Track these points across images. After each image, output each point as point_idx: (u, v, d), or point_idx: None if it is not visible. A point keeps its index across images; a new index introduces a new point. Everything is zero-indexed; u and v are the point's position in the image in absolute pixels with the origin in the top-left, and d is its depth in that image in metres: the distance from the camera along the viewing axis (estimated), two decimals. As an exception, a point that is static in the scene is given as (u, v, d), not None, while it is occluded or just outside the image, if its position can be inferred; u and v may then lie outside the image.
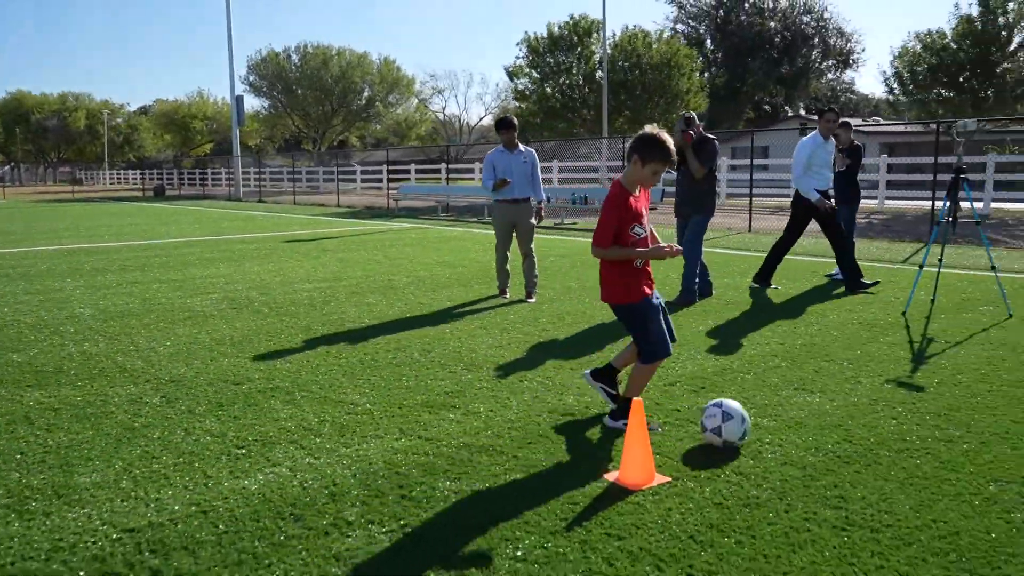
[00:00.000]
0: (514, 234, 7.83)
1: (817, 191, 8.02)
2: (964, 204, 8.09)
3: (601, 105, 28.76)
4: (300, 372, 5.15)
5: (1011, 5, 21.67)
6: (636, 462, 3.29)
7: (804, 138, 8.18)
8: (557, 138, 31.83)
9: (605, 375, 4.16)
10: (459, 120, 73.23)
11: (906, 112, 22.75)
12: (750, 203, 17.11)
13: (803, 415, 4.19)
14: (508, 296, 7.90)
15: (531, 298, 7.76)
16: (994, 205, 19.73)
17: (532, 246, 7.82)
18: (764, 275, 8.40)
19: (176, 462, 3.59)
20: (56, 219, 21.74)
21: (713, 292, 7.99)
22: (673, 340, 3.98)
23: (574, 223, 18.60)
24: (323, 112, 50.75)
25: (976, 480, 3.33)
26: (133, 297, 8.14)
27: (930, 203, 14.74)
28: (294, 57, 50.62)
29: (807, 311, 7.12)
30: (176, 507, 3.11)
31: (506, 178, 7.50)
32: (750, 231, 15.59)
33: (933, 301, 7.37)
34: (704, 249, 7.88)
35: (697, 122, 7.77)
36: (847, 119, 9.35)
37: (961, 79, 22.20)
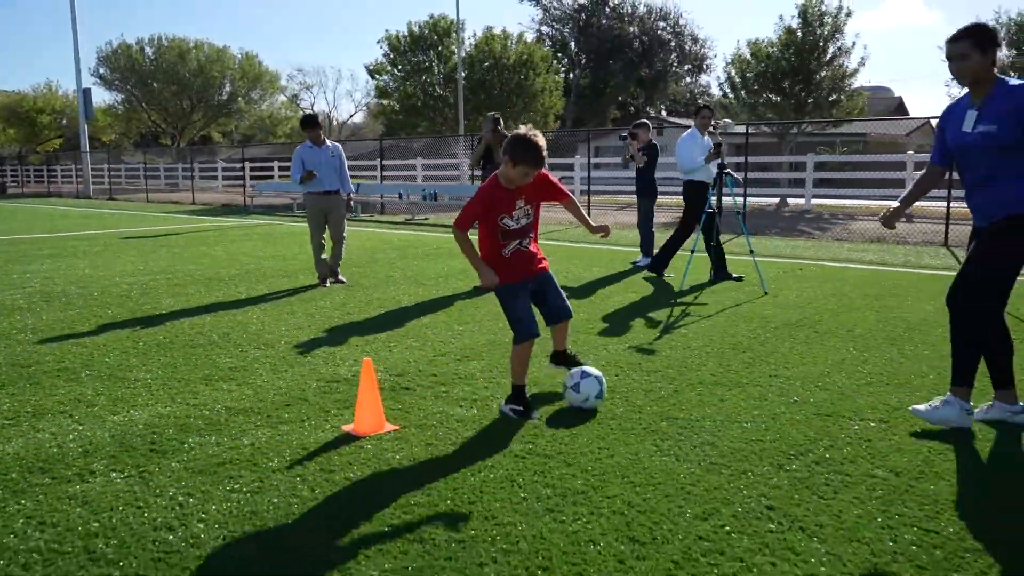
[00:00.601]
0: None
1: (701, 182, 8.56)
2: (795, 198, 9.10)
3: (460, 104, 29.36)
4: (93, 355, 5.40)
5: (827, 19, 23.75)
6: (364, 414, 3.82)
7: (684, 134, 8.79)
8: (420, 136, 32.20)
9: (560, 359, 4.43)
10: (329, 117, 72.26)
11: (738, 115, 24.50)
12: (589, 199, 18.10)
13: (543, 375, 4.83)
14: (328, 285, 8.30)
15: (339, 278, 8.27)
16: (815, 201, 21.61)
17: (344, 234, 8.28)
18: (659, 264, 8.81)
19: (-59, 433, 3.84)
20: None
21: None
22: (561, 317, 4.21)
23: (425, 218, 19.09)
24: (181, 107, 49.00)
25: (655, 420, 4.04)
26: (-61, 292, 8.01)
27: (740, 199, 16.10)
28: (148, 50, 48.60)
29: (598, 292, 7.89)
30: (-70, 468, 3.39)
31: (313, 171, 7.92)
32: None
33: (711, 282, 8.32)
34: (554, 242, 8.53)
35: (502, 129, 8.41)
36: (645, 120, 10.28)
37: (785, 85, 24.12)
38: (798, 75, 23.71)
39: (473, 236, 4.00)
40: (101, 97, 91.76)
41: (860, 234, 14.11)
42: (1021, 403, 3.93)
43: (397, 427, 3.91)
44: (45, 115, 61.59)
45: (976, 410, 3.94)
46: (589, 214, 16.72)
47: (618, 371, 4.91)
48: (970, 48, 3.62)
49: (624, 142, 10.14)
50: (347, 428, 3.89)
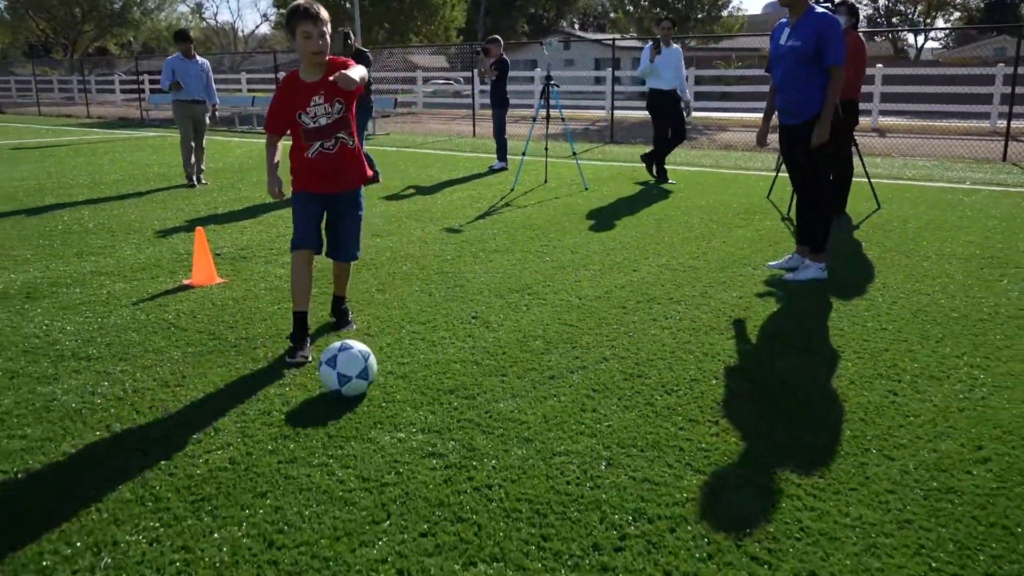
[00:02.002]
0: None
1: (659, 90, 9.39)
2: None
3: (360, 17, 29.42)
4: (-21, 239, 6.33)
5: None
6: (197, 268, 4.96)
7: (645, 49, 9.54)
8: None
9: (334, 308, 4.19)
10: (233, 27, 69.81)
11: (627, 28, 25.54)
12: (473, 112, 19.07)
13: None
14: (196, 185, 9.24)
15: (201, 183, 9.27)
16: (697, 114, 23.06)
17: (204, 142, 9.25)
18: (659, 172, 9.64)
19: None
20: None
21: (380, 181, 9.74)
22: (338, 256, 3.89)
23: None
24: (71, 15, 46.90)
25: (431, 273, 5.29)
26: None
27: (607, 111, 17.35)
28: (32, -48, 46.08)
29: (447, 188, 9.07)
30: None
31: (180, 82, 8.77)
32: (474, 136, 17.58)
33: (546, 182, 9.59)
34: (431, 151, 9.57)
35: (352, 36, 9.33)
36: (496, 37, 11.30)
37: (669, 1, 25.20)
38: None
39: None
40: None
41: (725, 144, 15.57)
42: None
43: (226, 280, 5.07)
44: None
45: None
46: (475, 123, 17.42)
47: (422, 244, 6.15)
48: None
49: (478, 56, 11.16)
50: (186, 281, 5.03)
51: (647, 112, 9.82)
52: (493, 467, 2.64)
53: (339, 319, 4.15)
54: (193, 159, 9.29)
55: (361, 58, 9.23)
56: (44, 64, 46.67)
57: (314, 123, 3.63)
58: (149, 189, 9.09)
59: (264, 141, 4.39)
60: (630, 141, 15.84)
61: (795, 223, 5.45)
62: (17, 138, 17.22)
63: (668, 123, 9.61)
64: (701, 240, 6.31)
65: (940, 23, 43.87)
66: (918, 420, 3.01)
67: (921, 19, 42.34)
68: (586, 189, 9.06)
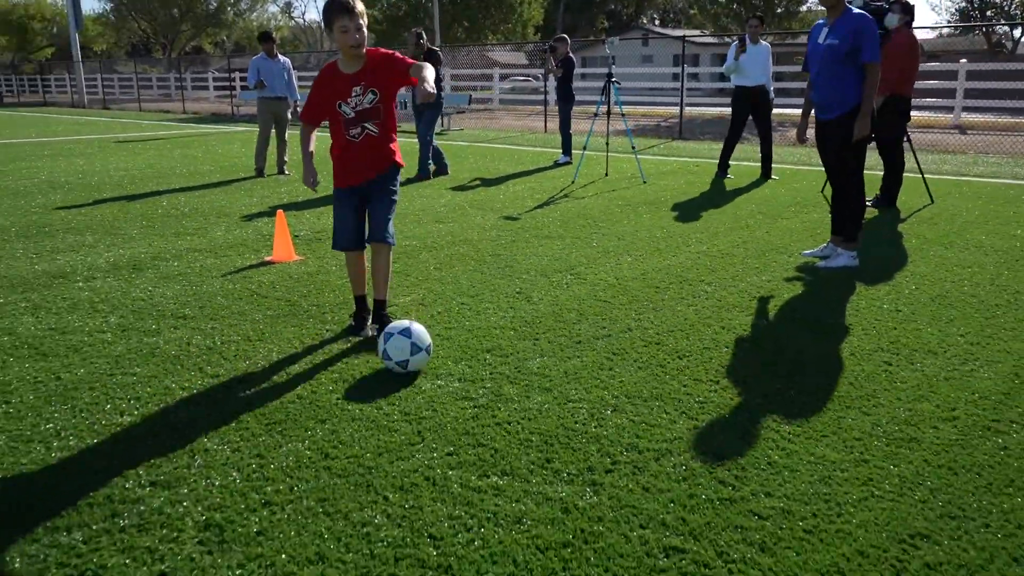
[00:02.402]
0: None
1: (743, 87, 9.54)
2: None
3: (439, 15, 30.24)
4: (91, 220, 7.13)
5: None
6: (277, 246, 5.59)
7: (732, 47, 9.69)
8: (400, 48, 33.13)
9: (374, 311, 4.08)
10: (319, 26, 72.07)
11: (702, 25, 25.54)
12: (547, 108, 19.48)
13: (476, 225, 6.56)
14: (264, 174, 10.02)
15: (285, 172, 9.97)
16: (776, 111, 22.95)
17: (286, 135, 9.96)
18: (722, 166, 9.87)
19: (-10, 260, 5.60)
20: None
21: (448, 172, 10.31)
22: (372, 236, 3.81)
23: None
24: (170, 16, 49.42)
25: (486, 255, 5.79)
26: (-37, 181, 9.72)
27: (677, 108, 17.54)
28: (135, -43, 48.74)
29: (512, 180, 9.57)
30: (-13, 275, 5.16)
31: (263, 80, 9.53)
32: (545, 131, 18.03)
33: (606, 175, 9.99)
34: (498, 145, 10.15)
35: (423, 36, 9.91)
36: (564, 35, 11.71)
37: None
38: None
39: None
40: (90, 6, 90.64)
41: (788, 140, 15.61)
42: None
43: (302, 257, 5.68)
44: (36, 21, 61.66)
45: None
46: (546, 119, 17.84)
47: (480, 230, 6.65)
48: None
49: (547, 55, 11.60)
50: (267, 258, 5.66)
51: (730, 108, 9.99)
52: (514, 409, 3.11)
53: (379, 320, 3.98)
54: (276, 152, 10.06)
55: (432, 57, 9.81)
56: (144, 63, 49.29)
57: (354, 111, 3.70)
58: (237, 178, 9.89)
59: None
60: (698, 137, 16.04)
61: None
62: (122, 132, 18.55)
63: (745, 120, 9.72)
64: (744, 230, 6.62)
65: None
66: (903, 386, 3.34)
67: (1019, 11, 40.60)
68: (644, 182, 9.41)
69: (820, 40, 5.34)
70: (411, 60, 3.66)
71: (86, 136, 17.20)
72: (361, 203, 3.85)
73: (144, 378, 3.44)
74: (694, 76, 24.99)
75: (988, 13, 40.21)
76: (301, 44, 72.62)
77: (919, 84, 18.37)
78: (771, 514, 2.37)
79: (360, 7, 3.58)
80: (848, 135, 5.27)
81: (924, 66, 15.43)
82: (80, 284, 5.00)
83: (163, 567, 2.13)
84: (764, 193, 8.55)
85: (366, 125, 3.72)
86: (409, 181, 9.73)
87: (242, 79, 35.96)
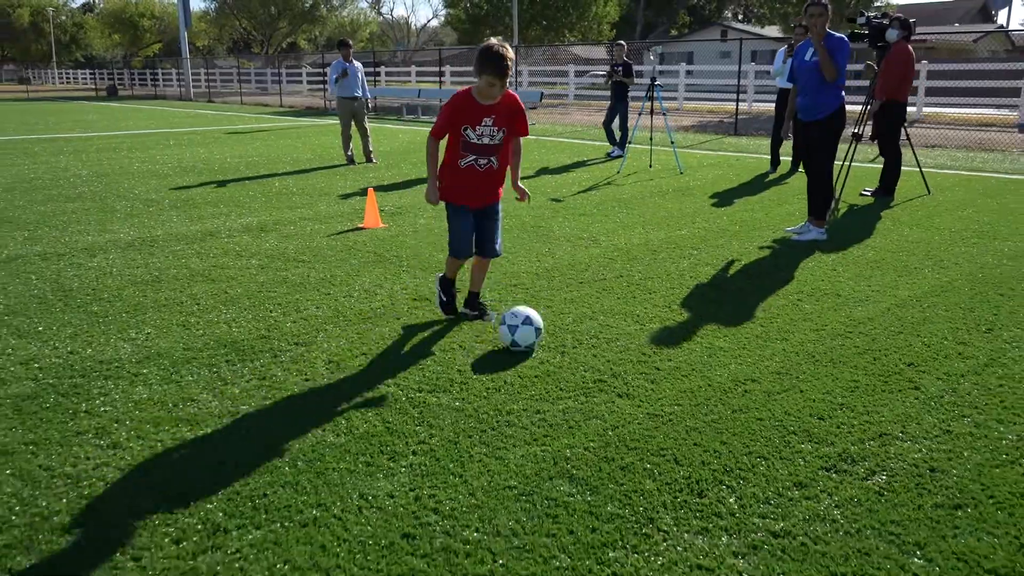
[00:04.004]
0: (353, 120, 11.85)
1: (786, 89, 10.48)
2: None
3: (519, 14, 31.81)
4: (220, 197, 8.99)
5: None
6: (368, 215, 7.26)
7: (779, 51, 11.10)
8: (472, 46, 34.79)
9: (472, 303, 4.59)
10: (406, 22, 74.67)
11: (764, 24, 26.34)
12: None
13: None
14: (354, 161, 11.83)
15: (373, 160, 11.77)
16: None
17: (367, 126, 11.81)
18: (772, 162, 11.10)
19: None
20: (22, 115, 24.70)
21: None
22: (484, 254, 4.33)
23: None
24: (269, 14, 52.54)
25: (529, 230, 7.32)
26: (113, 166, 11.82)
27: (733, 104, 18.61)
28: (238, -41, 51.92)
29: (567, 170, 11.07)
30: (158, 232, 7.01)
31: (347, 71, 11.39)
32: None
33: (651, 167, 11.38)
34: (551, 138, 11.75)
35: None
36: (621, 42, 13.09)
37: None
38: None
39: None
40: (196, 4, 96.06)
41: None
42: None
43: (387, 225, 7.33)
44: (146, 19, 66.11)
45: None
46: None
47: (528, 209, 8.20)
48: (823, 14, 6.44)
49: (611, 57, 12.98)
50: (360, 225, 7.33)
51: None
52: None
53: (480, 312, 4.54)
54: (360, 143, 11.91)
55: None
56: (243, 57, 52.66)
57: (478, 140, 3.99)
58: (333, 164, 11.71)
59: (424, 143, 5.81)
60: (750, 133, 17.15)
61: (838, 198, 7.02)
62: (229, 124, 20.82)
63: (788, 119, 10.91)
64: (748, 211, 7.97)
65: None
66: (800, 314, 4.72)
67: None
68: (681, 173, 10.77)
69: (806, 58, 6.67)
70: (527, 126, 4.17)
71: (200, 128, 19.48)
72: (474, 219, 4.27)
73: (281, 295, 5.12)
74: (765, 74, 25.74)
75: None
76: (388, 39, 75.36)
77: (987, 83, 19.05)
78: (669, 370, 3.84)
79: (511, 67, 3.85)
80: (824, 134, 6.58)
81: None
82: (225, 239, 6.76)
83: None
84: (785, 183, 9.81)
85: (492, 159, 4.09)
86: (477, 169, 11.34)
87: (324, 78, 38.55)
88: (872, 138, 9.11)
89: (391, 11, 72.17)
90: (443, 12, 43.33)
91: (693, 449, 3.02)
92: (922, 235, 6.83)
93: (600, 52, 52.52)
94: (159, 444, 3.07)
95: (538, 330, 4.01)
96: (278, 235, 6.93)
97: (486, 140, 4.02)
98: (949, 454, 2.98)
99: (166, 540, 2.44)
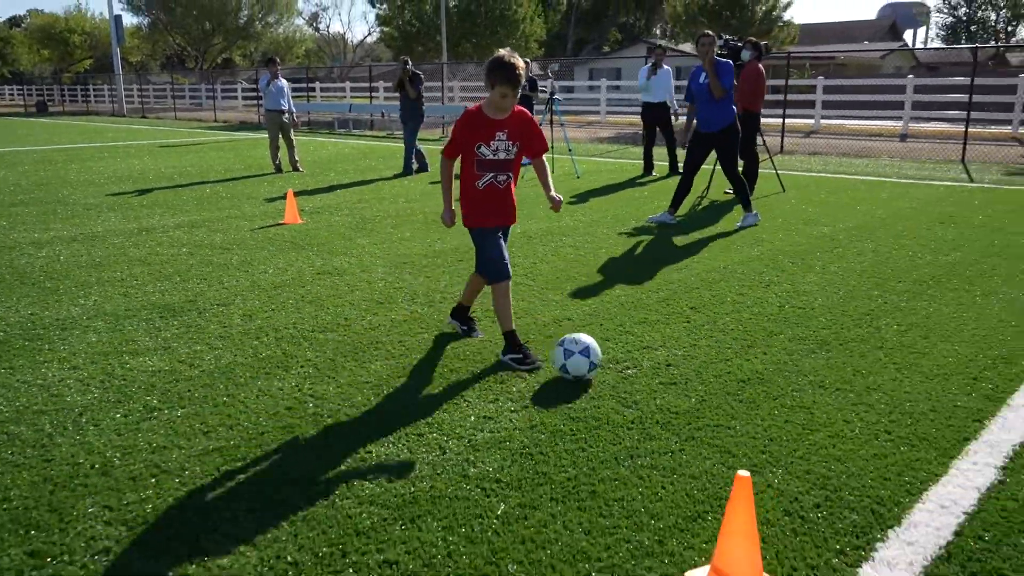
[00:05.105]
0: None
1: (650, 103, 12.31)
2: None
3: (449, 31, 33.03)
4: (155, 200, 9.90)
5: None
6: (288, 214, 8.29)
7: (642, 70, 12.47)
8: (417, 63, 35.90)
9: (458, 313, 4.53)
10: (343, 38, 75.39)
11: (679, 42, 28.08)
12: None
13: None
14: (282, 170, 12.85)
15: (299, 169, 12.81)
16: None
17: (293, 138, 12.86)
18: (646, 167, 12.80)
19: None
20: (-44, 131, 24.87)
21: (429, 168, 12.97)
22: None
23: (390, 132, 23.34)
24: (203, 30, 52.77)
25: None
26: (50, 176, 12.57)
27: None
28: (170, -25, 52.06)
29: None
30: (98, 229, 7.94)
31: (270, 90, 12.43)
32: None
33: (552, 172, 12.62)
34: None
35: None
36: (527, 58, 14.34)
37: (723, 15, 27.64)
38: (733, 7, 27.20)
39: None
40: (128, 20, 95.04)
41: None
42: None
43: (305, 221, 8.37)
44: (76, 35, 65.47)
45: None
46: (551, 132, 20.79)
47: (440, 204, 9.32)
48: (711, 43, 7.77)
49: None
50: (281, 221, 8.35)
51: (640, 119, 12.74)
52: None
53: (470, 328, 4.54)
54: (287, 153, 12.93)
55: (416, 79, 12.53)
56: (177, 73, 52.70)
57: (494, 155, 3.92)
58: (262, 173, 12.68)
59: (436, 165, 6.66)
60: (659, 143, 18.59)
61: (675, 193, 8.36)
62: (163, 139, 21.49)
63: (654, 129, 12.48)
64: (618, 207, 9.23)
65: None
66: (657, 276, 5.93)
67: (1004, 25, 42.78)
68: (578, 177, 12.04)
69: (700, 81, 7.98)
70: (545, 142, 4.11)
71: (134, 142, 20.14)
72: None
73: (207, 272, 6.13)
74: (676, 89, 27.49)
75: (972, 28, 42.38)
76: (325, 55, 75.95)
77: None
78: (588, 315, 4.98)
79: (523, 78, 3.79)
80: (725, 142, 7.93)
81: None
82: (159, 234, 7.73)
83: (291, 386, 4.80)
84: (660, 183, 11.14)
85: (510, 173, 4.02)
86: (395, 176, 12.44)
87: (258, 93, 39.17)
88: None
89: (327, 27, 73.06)
90: (378, 29, 44.28)
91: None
92: (771, 224, 8.16)
93: (533, 67, 54.10)
94: (108, 366, 4.09)
95: (593, 364, 3.77)
96: (207, 230, 7.92)
97: (502, 155, 3.94)
98: (685, 357, 4.19)
99: (117, 416, 3.48)
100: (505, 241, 4.17)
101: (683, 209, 8.98)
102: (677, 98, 12.85)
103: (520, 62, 3.74)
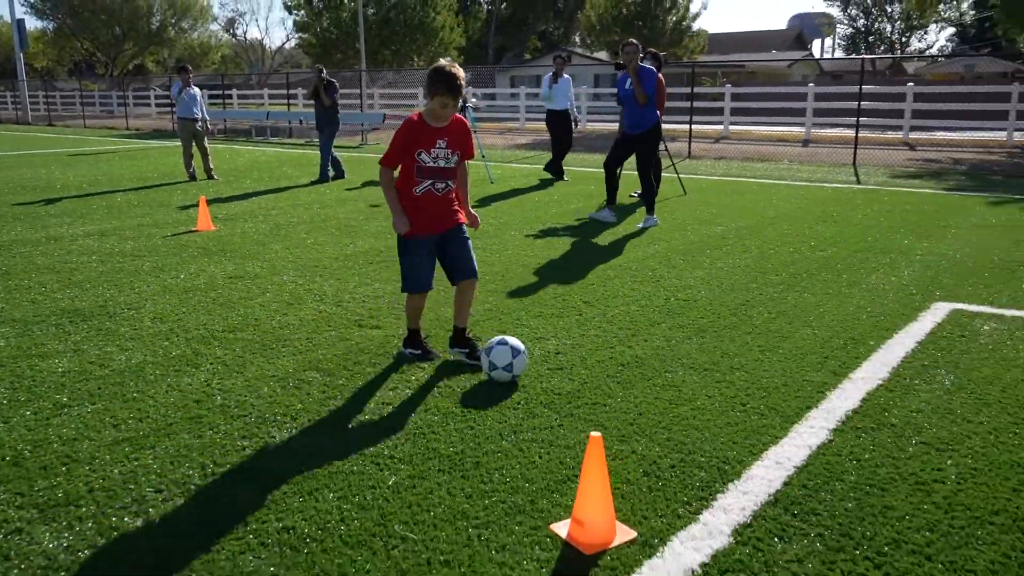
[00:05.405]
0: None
1: (554, 110, 12.83)
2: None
3: (368, 39, 33.04)
4: (74, 208, 9.81)
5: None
6: (201, 220, 8.38)
7: (545, 78, 12.89)
8: (336, 70, 35.78)
9: (460, 340, 4.29)
10: (262, 43, 74.22)
11: (594, 50, 28.87)
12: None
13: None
14: (196, 178, 12.82)
15: (213, 176, 12.81)
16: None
17: (207, 146, 12.88)
18: (557, 172, 12.88)
19: None
20: None
21: (345, 175, 13.12)
22: (463, 273, 4.12)
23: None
24: (112, 35, 51.29)
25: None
26: (-48, 185, 12.22)
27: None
28: (77, -22, 50.45)
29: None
30: (4, 239, 7.87)
31: (183, 99, 12.42)
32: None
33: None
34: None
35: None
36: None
37: (636, 24, 28.53)
38: (645, 17, 28.11)
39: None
40: (32, 24, 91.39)
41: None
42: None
43: (217, 228, 8.46)
44: (-26, 41, 62.62)
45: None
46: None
47: (354, 210, 9.51)
48: (636, 51, 8.25)
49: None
50: (194, 228, 8.42)
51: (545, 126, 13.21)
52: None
53: (471, 349, 4.22)
54: (202, 161, 12.90)
55: (331, 87, 12.68)
56: (86, 80, 51.03)
57: (434, 162, 3.95)
58: (176, 181, 12.62)
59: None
60: (579, 149, 19.12)
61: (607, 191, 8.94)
62: (72, 147, 20.95)
63: (560, 136, 12.96)
64: (525, 210, 9.61)
65: (937, 37, 47.01)
66: (558, 271, 6.28)
67: (898, 36, 45.32)
68: (492, 183, 12.39)
69: (627, 87, 8.49)
70: (473, 149, 4.16)
71: (40, 151, 19.60)
72: (435, 249, 4.14)
73: (118, 279, 6.21)
74: (596, 96, 28.21)
75: (870, 39, 44.69)
76: (243, 62, 74.59)
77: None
78: (488, 311, 5.26)
79: (463, 87, 3.84)
80: (647, 143, 8.51)
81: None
82: (68, 243, 7.72)
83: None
84: (581, 189, 11.58)
85: (449, 182, 4.05)
86: (312, 183, 12.56)
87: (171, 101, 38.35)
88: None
89: (245, 33, 71.78)
90: (296, 36, 43.81)
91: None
92: (666, 221, 8.65)
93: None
94: (17, 368, 4.20)
95: (514, 349, 3.90)
96: (118, 238, 7.94)
97: (442, 163, 3.98)
98: (573, 346, 4.56)
99: (27, 413, 3.63)
100: (463, 241, 4.14)
101: (590, 211, 9.42)
102: (590, 104, 13.35)
103: (460, 72, 3.80)
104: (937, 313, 5.17)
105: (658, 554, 2.53)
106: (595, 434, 2.57)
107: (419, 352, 4.30)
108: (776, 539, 2.61)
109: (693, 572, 2.44)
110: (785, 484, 2.95)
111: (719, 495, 2.88)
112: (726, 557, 2.51)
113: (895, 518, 2.73)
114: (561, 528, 2.67)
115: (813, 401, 3.74)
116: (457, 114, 4.02)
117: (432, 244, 4.11)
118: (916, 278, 6.10)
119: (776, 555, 2.52)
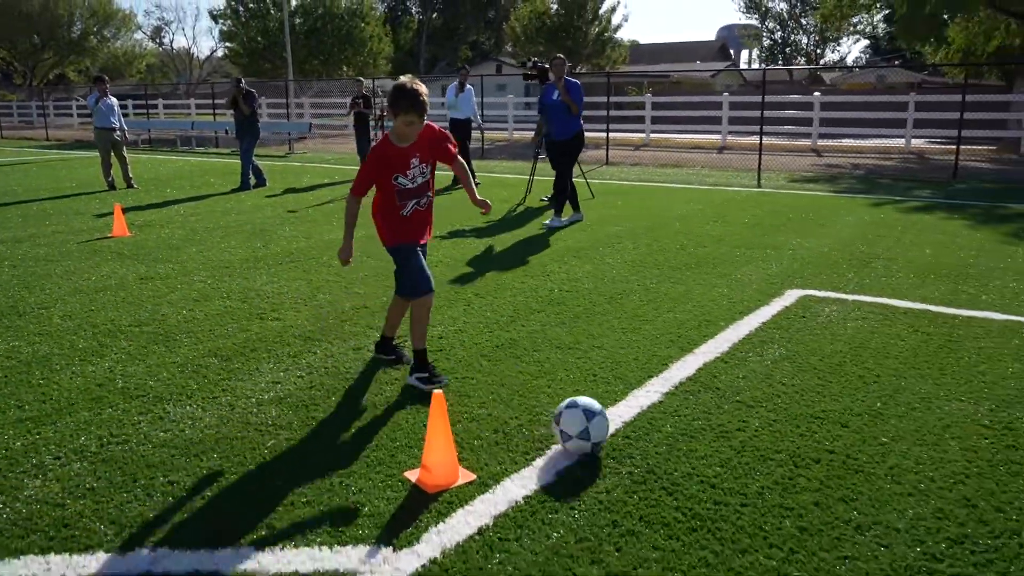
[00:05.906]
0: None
1: (457, 119, 13.27)
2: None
3: (296, 49, 33.08)
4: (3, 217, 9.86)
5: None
6: (116, 226, 8.59)
7: (450, 88, 13.43)
8: (265, 80, 35.67)
9: (382, 347, 4.41)
10: (189, 53, 73.08)
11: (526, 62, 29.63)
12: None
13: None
14: (115, 187, 12.92)
15: (132, 185, 12.95)
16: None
17: (125, 154, 13.08)
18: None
19: (-88, 240, 8.34)
20: None
21: (266, 183, 13.36)
22: (432, 287, 4.03)
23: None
24: (31, 44, 49.92)
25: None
26: None
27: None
28: (-9, -15, 48.98)
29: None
30: None
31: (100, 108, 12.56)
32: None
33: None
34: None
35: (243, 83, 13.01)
36: (360, 77, 15.04)
37: (559, 35, 29.30)
38: (568, 29, 28.89)
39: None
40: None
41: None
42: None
43: (132, 234, 8.67)
44: None
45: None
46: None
47: (271, 216, 9.81)
48: (563, 64, 8.75)
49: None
50: (109, 234, 8.61)
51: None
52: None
53: (429, 374, 4.04)
54: (121, 170, 13.02)
55: (250, 97, 12.93)
56: (4, 90, 49.51)
57: (412, 183, 3.91)
58: (94, 190, 12.69)
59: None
60: (502, 157, 19.67)
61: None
62: (-12, 157, 20.57)
63: (464, 143, 13.58)
64: (453, 212, 10.04)
65: (850, 49, 49.22)
66: (471, 265, 6.71)
67: (813, 47, 47.43)
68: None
69: (554, 97, 9.05)
70: (456, 150, 4.09)
71: (-45, 161, 19.22)
72: None
73: (29, 282, 6.43)
74: (526, 105, 28.82)
75: (787, 50, 46.56)
76: (170, 71, 73.31)
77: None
78: (384, 304, 5.65)
79: (426, 103, 3.71)
80: (569, 149, 9.13)
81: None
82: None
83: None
84: (504, 193, 12.08)
85: (429, 194, 4.03)
86: (233, 191, 12.77)
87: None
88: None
89: (171, 42, 70.68)
90: (223, 45, 43.37)
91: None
92: (589, 217, 9.18)
93: (389, 83, 54.53)
94: (-73, 362, 4.46)
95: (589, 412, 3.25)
96: (31, 244, 8.11)
97: (419, 180, 3.94)
98: (456, 331, 5.01)
99: (-64, 399, 3.92)
100: (425, 256, 4.15)
101: (499, 214, 9.90)
102: (520, 113, 13.94)
103: (423, 88, 3.68)
104: (788, 299, 5.79)
105: (491, 491, 3.00)
106: (437, 391, 3.02)
107: (394, 356, 4.40)
108: (593, 476, 3.11)
109: (516, 503, 2.91)
110: (611, 436, 3.45)
111: (554, 447, 3.36)
112: (546, 492, 3.00)
113: (695, 458, 3.25)
114: (413, 475, 3.12)
115: (655, 371, 4.27)
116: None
117: (420, 249, 4.14)
118: (782, 270, 6.74)
119: (588, 487, 3.02)
